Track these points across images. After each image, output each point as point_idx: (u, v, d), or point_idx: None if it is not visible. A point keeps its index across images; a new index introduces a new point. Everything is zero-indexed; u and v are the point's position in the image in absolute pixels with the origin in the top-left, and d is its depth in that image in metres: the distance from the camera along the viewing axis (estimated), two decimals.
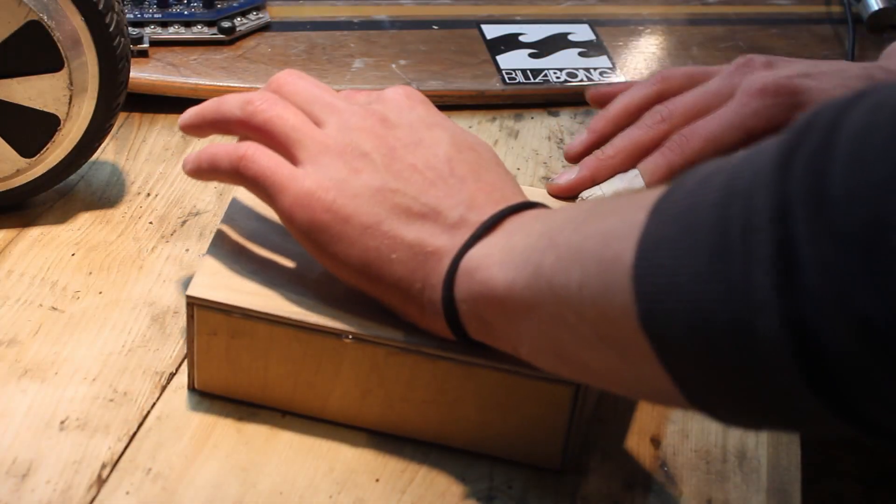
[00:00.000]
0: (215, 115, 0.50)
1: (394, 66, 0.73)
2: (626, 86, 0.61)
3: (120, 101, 0.58)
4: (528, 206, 0.46)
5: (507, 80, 0.73)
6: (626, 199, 0.41)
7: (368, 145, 0.47)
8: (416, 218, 0.46)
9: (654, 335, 0.36)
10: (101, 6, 0.54)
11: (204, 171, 0.50)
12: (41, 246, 0.58)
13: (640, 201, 0.38)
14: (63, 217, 0.60)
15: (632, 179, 0.54)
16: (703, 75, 0.59)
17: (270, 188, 0.47)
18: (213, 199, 0.62)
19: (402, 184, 0.46)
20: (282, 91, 0.50)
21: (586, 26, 0.80)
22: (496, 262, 0.43)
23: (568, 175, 0.58)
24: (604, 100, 0.62)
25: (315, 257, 0.47)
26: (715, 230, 0.33)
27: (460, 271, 0.44)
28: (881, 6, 0.81)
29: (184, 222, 0.60)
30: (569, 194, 0.57)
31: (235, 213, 0.52)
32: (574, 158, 0.60)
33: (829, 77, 0.56)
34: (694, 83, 0.59)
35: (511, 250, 0.43)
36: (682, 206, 0.36)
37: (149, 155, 0.65)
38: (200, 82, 0.69)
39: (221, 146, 0.49)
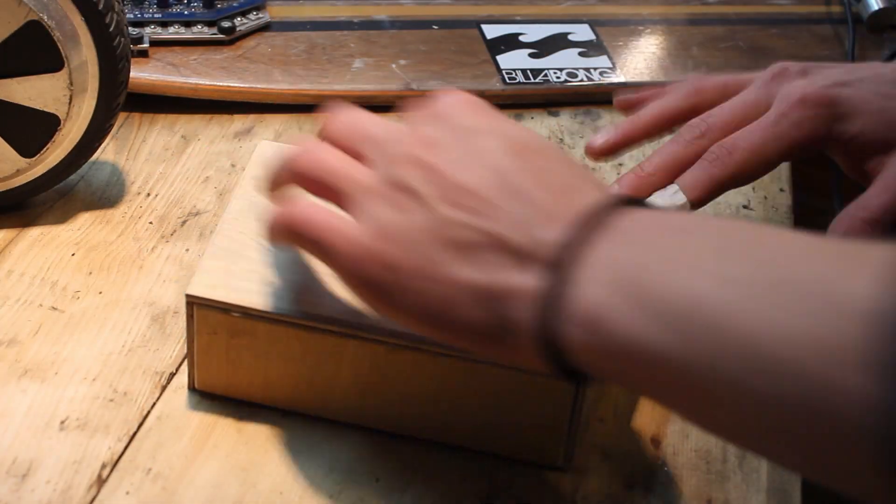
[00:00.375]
0: (276, 177, 0.47)
1: (394, 66, 0.73)
2: (655, 92, 0.59)
3: (120, 101, 0.58)
4: (611, 206, 0.39)
5: (508, 80, 0.73)
6: (804, 271, 0.34)
7: (412, 177, 0.42)
8: (476, 251, 0.40)
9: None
10: (101, 6, 0.54)
11: (274, 238, 0.46)
12: (41, 246, 0.58)
13: (836, 292, 0.32)
14: (63, 217, 0.60)
15: (672, 195, 0.53)
16: (736, 85, 0.57)
17: (323, 250, 0.43)
18: (213, 199, 0.62)
19: (454, 212, 0.40)
20: (326, 131, 0.46)
21: (586, 26, 0.80)
22: (613, 308, 0.36)
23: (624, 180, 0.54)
24: (631, 107, 0.60)
25: (379, 313, 0.44)
26: None
27: (562, 314, 0.38)
28: (881, 6, 0.81)
29: (184, 222, 0.60)
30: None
31: (235, 212, 0.52)
32: (596, 153, 0.57)
33: (866, 84, 0.55)
34: (728, 94, 0.57)
35: (629, 293, 0.36)
36: None
37: (149, 155, 0.65)
38: (200, 82, 0.69)
39: (276, 210, 0.46)
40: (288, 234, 0.45)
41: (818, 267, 0.34)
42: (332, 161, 0.45)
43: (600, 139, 0.57)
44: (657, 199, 0.53)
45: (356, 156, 0.45)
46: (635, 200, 0.39)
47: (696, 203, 0.52)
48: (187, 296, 0.47)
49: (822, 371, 0.31)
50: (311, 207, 0.44)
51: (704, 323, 0.34)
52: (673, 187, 0.53)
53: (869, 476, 0.32)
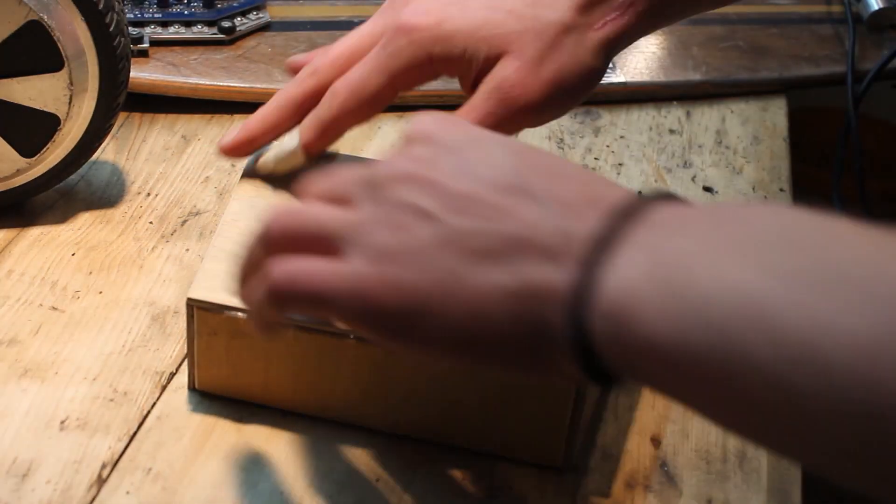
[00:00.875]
0: (249, 258, 0.42)
1: None
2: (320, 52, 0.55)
3: (120, 100, 0.58)
4: (646, 198, 0.36)
5: None
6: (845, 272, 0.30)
7: (408, 193, 0.38)
8: (501, 256, 0.36)
9: None
10: (101, 6, 0.54)
11: (265, 321, 0.41)
12: (41, 246, 0.58)
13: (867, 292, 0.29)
14: (63, 217, 0.60)
15: (288, 139, 0.52)
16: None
17: (324, 300, 0.38)
18: (213, 199, 0.62)
19: (467, 221, 0.37)
20: (306, 192, 0.43)
21: None
22: (643, 298, 0.33)
23: (228, 136, 0.53)
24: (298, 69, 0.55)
25: (406, 350, 0.39)
26: None
27: (596, 311, 0.34)
28: (881, 6, 0.81)
29: (184, 222, 0.60)
30: (232, 156, 0.53)
31: (235, 213, 0.52)
32: (224, 152, 0.54)
33: (473, 5, 0.50)
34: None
35: (662, 282, 0.33)
36: None
37: (149, 155, 0.65)
38: (200, 82, 0.69)
39: (247, 286, 0.42)
40: (278, 305, 0.40)
41: (877, 259, 0.30)
42: (312, 210, 0.40)
43: (227, 138, 0.53)
44: (276, 144, 0.53)
45: (340, 200, 0.40)
46: (668, 195, 0.36)
47: (310, 146, 0.51)
48: (188, 299, 0.47)
49: (889, 377, 0.28)
50: (287, 262, 0.39)
51: (749, 318, 0.30)
52: (293, 132, 0.52)
53: None
